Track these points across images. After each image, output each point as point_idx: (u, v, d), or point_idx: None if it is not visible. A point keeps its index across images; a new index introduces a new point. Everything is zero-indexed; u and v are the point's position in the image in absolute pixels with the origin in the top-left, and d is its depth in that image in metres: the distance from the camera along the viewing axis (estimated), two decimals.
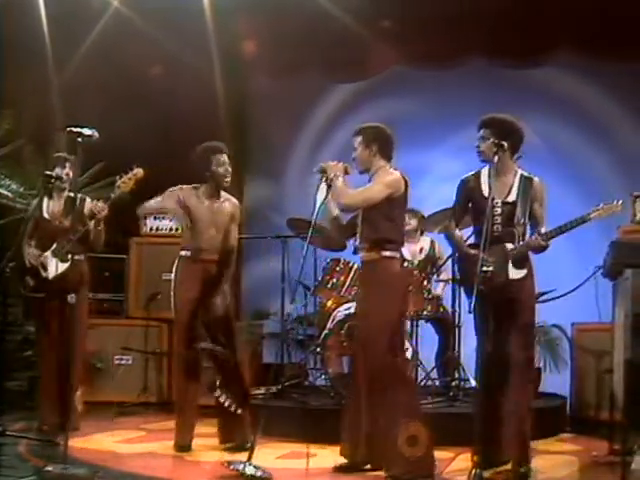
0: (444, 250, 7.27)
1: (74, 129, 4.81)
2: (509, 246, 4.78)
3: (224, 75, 8.63)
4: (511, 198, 4.83)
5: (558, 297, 6.43)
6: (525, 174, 4.90)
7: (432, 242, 7.45)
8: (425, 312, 6.85)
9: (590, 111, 8.20)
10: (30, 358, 7.54)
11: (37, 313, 6.25)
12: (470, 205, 4.97)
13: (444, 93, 8.48)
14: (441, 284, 7.24)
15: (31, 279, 6.00)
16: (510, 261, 4.75)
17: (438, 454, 5.52)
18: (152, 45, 8.30)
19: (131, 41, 8.30)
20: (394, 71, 8.62)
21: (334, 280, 6.84)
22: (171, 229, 7.84)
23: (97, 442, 5.92)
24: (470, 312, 4.58)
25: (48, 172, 5.91)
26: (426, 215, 7.29)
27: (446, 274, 7.11)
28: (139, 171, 5.75)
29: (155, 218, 7.86)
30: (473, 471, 4.47)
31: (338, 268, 6.85)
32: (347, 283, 6.84)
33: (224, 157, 5.67)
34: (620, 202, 4.64)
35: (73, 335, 5.81)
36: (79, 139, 4.82)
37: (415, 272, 6.82)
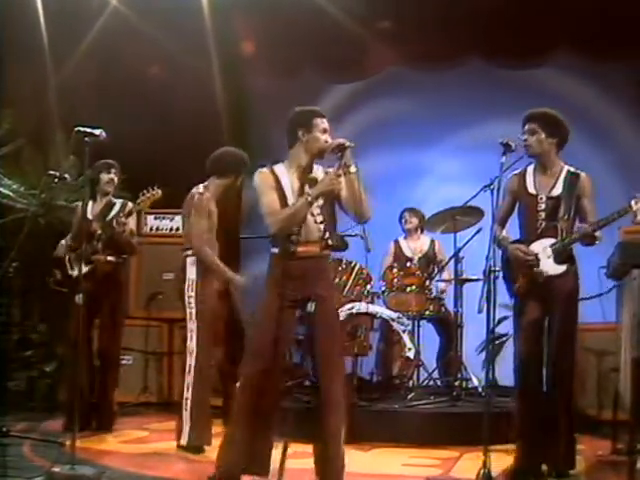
0: (445, 250, 7.30)
1: (82, 129, 4.81)
2: (551, 241, 4.80)
3: (222, 75, 8.61)
4: (555, 193, 4.85)
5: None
6: (572, 169, 4.92)
7: (432, 241, 7.49)
8: (427, 312, 6.88)
9: (589, 112, 8.19)
10: (30, 358, 7.54)
11: (56, 311, 6.45)
12: (518, 203, 5.00)
13: (442, 93, 8.48)
14: (442, 284, 7.26)
15: (59, 273, 6.23)
16: (552, 256, 4.78)
17: (443, 454, 5.59)
18: (150, 44, 8.29)
19: (129, 40, 8.30)
20: (392, 71, 8.63)
21: (336, 280, 6.85)
22: (171, 229, 7.84)
23: (100, 442, 5.90)
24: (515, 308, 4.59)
25: (52, 172, 5.92)
26: (427, 215, 7.32)
27: (448, 274, 7.13)
28: (158, 192, 5.96)
29: (155, 218, 7.86)
30: (481, 471, 4.47)
31: (340, 268, 6.87)
32: (349, 283, 6.87)
33: None
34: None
35: (106, 334, 6.10)
36: (86, 139, 4.82)
37: (417, 271, 6.84)
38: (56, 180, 5.91)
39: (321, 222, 4.33)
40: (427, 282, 6.82)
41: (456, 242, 6.67)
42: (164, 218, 7.86)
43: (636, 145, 8.02)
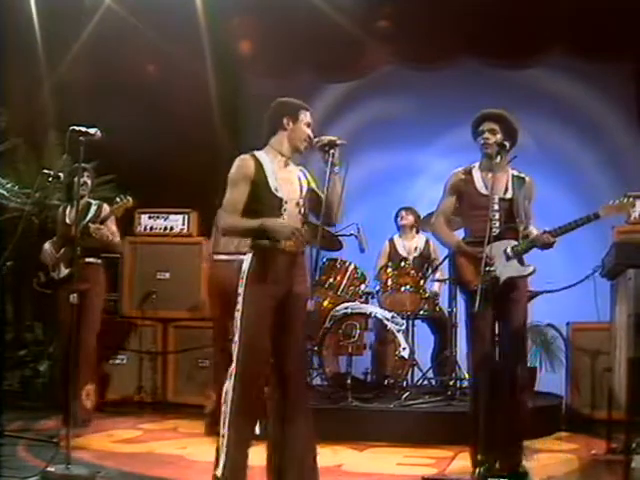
0: (439, 250, 7.30)
1: (77, 128, 4.80)
2: (512, 242, 4.80)
3: (218, 75, 8.61)
4: (508, 195, 4.86)
5: (553, 291, 6.45)
6: (516, 173, 4.94)
7: (427, 241, 7.49)
8: (421, 311, 6.89)
9: (581, 111, 8.23)
10: (23, 358, 7.53)
11: (47, 310, 6.49)
12: (460, 201, 4.97)
13: (436, 93, 8.49)
14: (436, 283, 7.27)
15: (43, 275, 6.33)
16: (515, 258, 4.78)
17: (437, 453, 5.59)
18: (145, 44, 8.28)
19: (124, 39, 8.28)
20: (386, 71, 8.64)
21: (331, 280, 6.87)
22: (165, 228, 7.82)
23: (95, 442, 5.89)
24: (477, 310, 4.50)
25: (46, 170, 5.92)
26: (422, 215, 7.33)
27: (442, 273, 7.14)
28: (129, 200, 6.08)
29: (150, 217, 7.85)
30: (477, 470, 4.47)
31: (335, 268, 6.88)
32: (344, 283, 6.88)
33: None
34: (631, 199, 4.67)
35: (81, 331, 5.97)
36: (82, 138, 4.82)
37: (412, 271, 6.85)
38: (50, 179, 5.92)
39: (302, 217, 4.27)
40: (421, 282, 6.82)
41: (442, 243, 6.66)
42: (158, 217, 7.85)
43: (626, 144, 8.05)
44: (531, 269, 4.82)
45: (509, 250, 4.80)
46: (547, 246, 4.77)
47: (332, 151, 4.17)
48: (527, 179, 4.93)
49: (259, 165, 4.19)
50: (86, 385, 6.20)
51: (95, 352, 6.38)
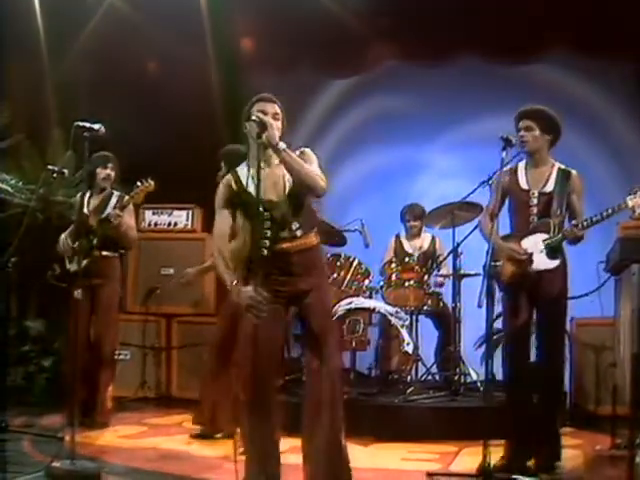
0: (444, 246, 7.30)
1: (82, 123, 4.80)
2: (544, 236, 4.84)
3: (219, 71, 8.60)
4: (548, 189, 4.89)
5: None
6: (562, 167, 4.96)
7: (433, 238, 7.49)
8: (425, 307, 6.89)
9: (583, 107, 8.20)
10: (28, 353, 7.53)
11: (55, 305, 6.48)
12: (508, 199, 5.04)
13: (439, 89, 8.47)
14: (439, 279, 7.26)
15: (58, 267, 6.24)
16: (545, 252, 4.82)
17: (442, 448, 5.60)
18: (147, 40, 8.28)
19: (127, 35, 8.27)
20: (388, 67, 8.61)
21: (334, 275, 6.86)
22: (169, 224, 7.83)
23: (99, 437, 5.89)
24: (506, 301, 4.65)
25: (50, 166, 5.92)
26: (426, 210, 7.32)
27: (446, 269, 7.14)
28: (151, 183, 6.00)
29: (154, 213, 7.85)
30: (484, 465, 4.47)
31: (339, 263, 6.88)
32: (347, 278, 6.88)
33: None
34: (638, 200, 4.65)
35: (100, 328, 6.09)
36: (86, 134, 4.82)
37: (416, 267, 6.85)
38: (55, 175, 5.93)
39: (293, 216, 4.25)
40: (425, 277, 6.82)
41: (454, 237, 6.67)
42: (162, 213, 7.87)
43: (631, 140, 8.03)
44: (557, 263, 4.84)
45: (541, 244, 4.84)
46: (576, 240, 4.80)
47: (264, 134, 4.04)
48: (573, 173, 4.96)
49: (238, 181, 4.22)
50: (108, 386, 6.20)
51: (114, 350, 6.38)
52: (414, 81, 8.64)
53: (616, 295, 5.52)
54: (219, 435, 5.83)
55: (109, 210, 6.12)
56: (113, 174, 6.29)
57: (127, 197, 6.10)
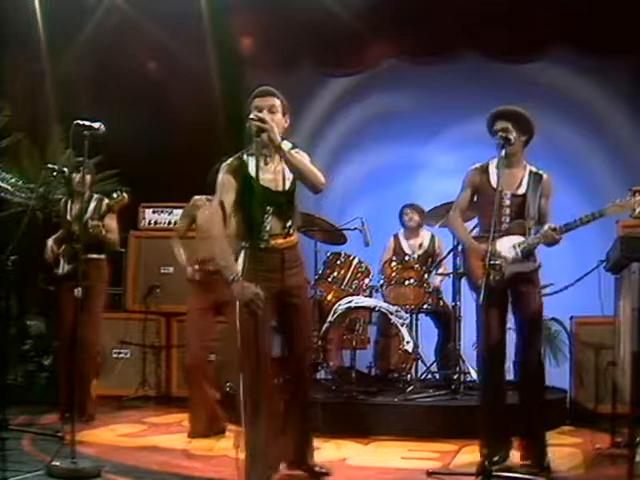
0: (444, 244, 7.30)
1: (81, 122, 4.80)
2: (520, 239, 4.83)
3: (219, 69, 8.60)
4: (521, 191, 4.89)
5: (560, 290, 6.44)
6: (534, 169, 4.96)
7: (432, 236, 7.49)
8: (425, 305, 6.88)
9: (586, 105, 8.21)
10: (28, 352, 7.53)
11: (51, 306, 6.49)
12: (477, 196, 5.01)
13: (439, 87, 8.47)
14: (438, 277, 7.26)
15: (46, 272, 6.39)
16: (520, 254, 4.80)
17: (442, 447, 5.60)
18: (147, 38, 8.29)
19: (126, 34, 8.28)
20: (388, 65, 8.63)
21: (335, 274, 6.86)
22: (169, 222, 7.82)
23: (99, 436, 5.89)
24: (480, 305, 4.57)
25: (50, 165, 5.93)
26: (425, 209, 7.32)
27: (445, 268, 7.14)
28: (124, 197, 6.00)
29: (154, 211, 7.85)
30: (483, 463, 4.47)
31: (339, 262, 6.89)
32: (348, 276, 6.87)
33: None
34: (637, 198, 4.66)
35: (83, 327, 5.94)
36: (85, 132, 4.82)
37: (416, 265, 6.85)
38: (54, 174, 5.95)
39: (289, 212, 4.29)
40: (425, 276, 6.81)
41: (454, 236, 6.65)
42: (162, 212, 7.86)
43: (631, 139, 8.03)
44: (535, 265, 4.85)
45: (515, 246, 4.82)
46: (552, 243, 4.78)
47: (263, 135, 4.10)
48: (545, 176, 4.94)
49: (243, 163, 4.24)
50: (92, 381, 6.27)
51: (97, 348, 6.44)
52: (414, 80, 8.65)
53: (616, 294, 5.52)
54: (219, 434, 5.84)
55: (88, 214, 6.18)
56: (88, 177, 6.24)
57: (105, 204, 6.19)
